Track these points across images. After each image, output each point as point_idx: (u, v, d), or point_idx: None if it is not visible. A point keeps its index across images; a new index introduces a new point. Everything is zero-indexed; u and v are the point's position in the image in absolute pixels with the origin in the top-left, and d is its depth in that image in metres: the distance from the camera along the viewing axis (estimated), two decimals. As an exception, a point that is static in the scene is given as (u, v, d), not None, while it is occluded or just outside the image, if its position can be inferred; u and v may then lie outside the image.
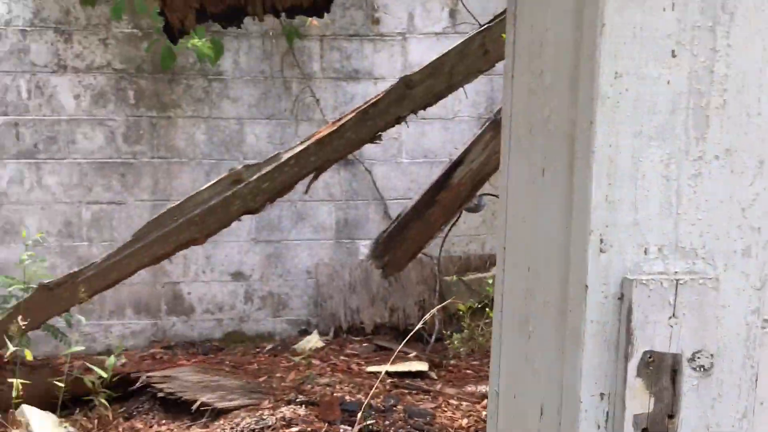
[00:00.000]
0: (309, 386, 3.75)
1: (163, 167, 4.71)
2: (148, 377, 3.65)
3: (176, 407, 3.50)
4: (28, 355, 3.01)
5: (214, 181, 3.55)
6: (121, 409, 3.59)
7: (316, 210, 4.89)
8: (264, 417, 3.27)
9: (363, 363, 4.37)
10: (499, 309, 1.14)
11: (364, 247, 4.96)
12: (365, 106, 3.64)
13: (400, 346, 4.74)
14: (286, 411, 3.32)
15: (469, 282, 4.94)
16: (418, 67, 4.85)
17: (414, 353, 4.50)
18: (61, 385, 3.21)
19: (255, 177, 3.56)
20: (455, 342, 4.71)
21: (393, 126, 3.77)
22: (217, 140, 4.74)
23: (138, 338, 4.81)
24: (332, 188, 4.87)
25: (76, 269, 3.48)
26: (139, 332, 4.82)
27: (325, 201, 4.87)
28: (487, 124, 3.96)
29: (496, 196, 4.69)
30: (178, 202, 3.62)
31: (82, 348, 3.71)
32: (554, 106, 0.90)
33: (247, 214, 3.66)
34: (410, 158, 4.94)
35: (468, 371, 4.33)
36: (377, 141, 3.77)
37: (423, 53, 4.78)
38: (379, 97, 3.64)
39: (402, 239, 4.10)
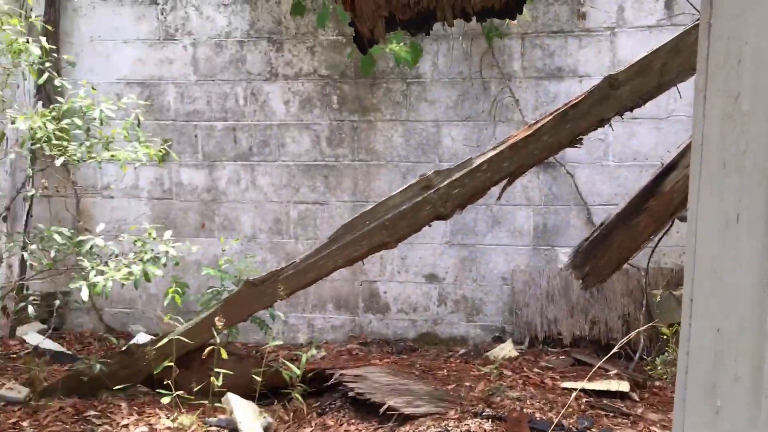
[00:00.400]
0: (498, 399, 3.63)
1: (362, 169, 4.83)
2: (341, 375, 3.75)
3: (365, 408, 3.56)
4: (223, 354, 3.21)
5: (405, 186, 3.55)
6: (316, 404, 3.72)
7: (513, 214, 4.74)
8: (449, 428, 3.21)
9: (558, 377, 4.15)
10: (684, 369, 0.96)
11: (563, 255, 4.71)
12: (565, 107, 3.43)
13: (600, 362, 4.45)
14: (472, 424, 3.23)
15: (679, 297, 4.49)
16: (629, 63, 4.52)
17: (615, 371, 4.18)
18: (259, 379, 3.40)
19: (445, 183, 3.50)
20: (658, 367, 4.32)
21: (595, 129, 3.51)
22: (414, 143, 4.77)
23: (337, 332, 5.00)
24: (530, 192, 4.68)
25: (279, 267, 3.67)
26: (339, 327, 5.00)
27: (523, 205, 4.70)
28: None
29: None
30: (372, 206, 3.67)
31: (281, 342, 3.90)
32: (752, 136, 0.72)
33: (438, 220, 3.61)
34: (617, 161, 4.60)
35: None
36: (577, 145, 3.54)
37: (633, 49, 4.42)
38: (580, 98, 3.41)
39: (606, 248, 3.82)
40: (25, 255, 3.62)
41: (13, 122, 3.48)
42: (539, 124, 3.46)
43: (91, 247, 3.38)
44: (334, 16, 4.64)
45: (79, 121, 3.64)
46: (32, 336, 4.72)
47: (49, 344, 4.63)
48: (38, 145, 3.56)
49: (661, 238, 4.15)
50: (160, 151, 3.69)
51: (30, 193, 3.84)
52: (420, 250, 4.81)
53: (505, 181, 3.60)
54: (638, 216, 3.72)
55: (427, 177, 3.51)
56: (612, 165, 4.61)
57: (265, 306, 3.80)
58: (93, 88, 3.93)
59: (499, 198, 3.66)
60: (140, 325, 5.13)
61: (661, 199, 3.67)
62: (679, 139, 4.45)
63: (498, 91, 4.63)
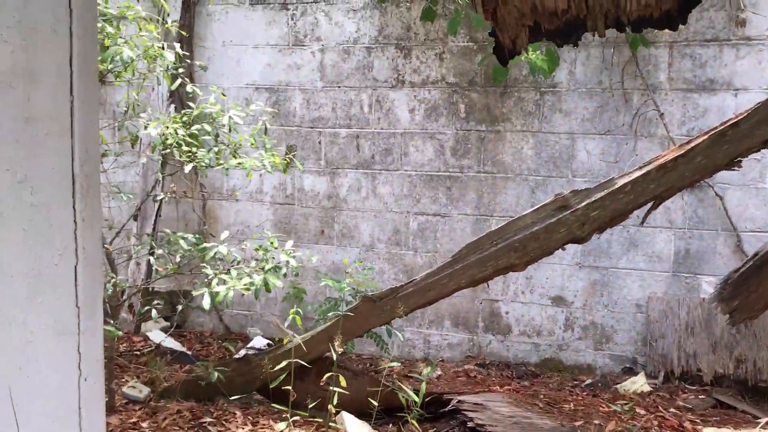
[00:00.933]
0: (630, 441, 3.32)
1: (488, 182, 4.61)
2: (459, 402, 3.55)
3: (482, 439, 3.35)
4: (342, 381, 3.08)
5: (538, 206, 3.31)
6: (432, 430, 3.55)
7: (652, 237, 4.36)
8: (576, 472, 2.94)
9: (698, 421, 3.76)
10: None
11: (707, 284, 4.29)
12: (723, 127, 3.07)
13: (747, 407, 4.01)
14: (602, 470, 2.95)
15: None
16: (794, 73, 4.04)
17: (765, 420, 3.74)
18: (375, 402, 3.26)
19: (584, 203, 3.23)
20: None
21: (758, 150, 3.14)
22: (546, 155, 4.49)
23: (454, 350, 4.81)
24: (673, 214, 4.29)
25: (396, 279, 3.52)
26: (456, 345, 4.80)
27: (663, 228, 4.32)
28: None
29: None
30: (497, 221, 3.45)
31: (398, 364, 3.75)
32: None
33: (573, 243, 3.34)
34: (775, 183, 4.13)
35: (840, 455, 3.45)
36: (735, 167, 3.17)
37: (802, 57, 3.96)
38: (741, 116, 3.05)
39: (759, 281, 3.41)
40: (152, 259, 3.67)
41: (145, 127, 3.53)
42: (692, 144, 3.12)
43: (215, 254, 3.36)
44: (467, 22, 4.45)
45: (208, 127, 3.65)
46: (155, 334, 4.83)
47: (170, 343, 4.72)
48: (168, 150, 3.59)
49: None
50: (285, 161, 3.64)
51: (159, 197, 3.90)
52: (547, 271, 4.53)
53: (649, 205, 3.29)
54: None
55: (564, 196, 3.25)
56: (769, 188, 4.15)
57: (382, 323, 3.67)
58: (223, 95, 3.94)
59: (642, 222, 3.34)
60: (258, 328, 5.15)
61: None
62: None
63: (641, 104, 4.28)
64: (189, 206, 5.13)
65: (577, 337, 4.56)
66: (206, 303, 3.08)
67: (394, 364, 3.60)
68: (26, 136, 1.51)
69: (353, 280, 4.12)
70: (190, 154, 3.44)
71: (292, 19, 4.88)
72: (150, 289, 4.84)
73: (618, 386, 4.26)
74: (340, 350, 3.27)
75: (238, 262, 3.71)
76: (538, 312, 4.62)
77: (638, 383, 4.23)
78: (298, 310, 3.79)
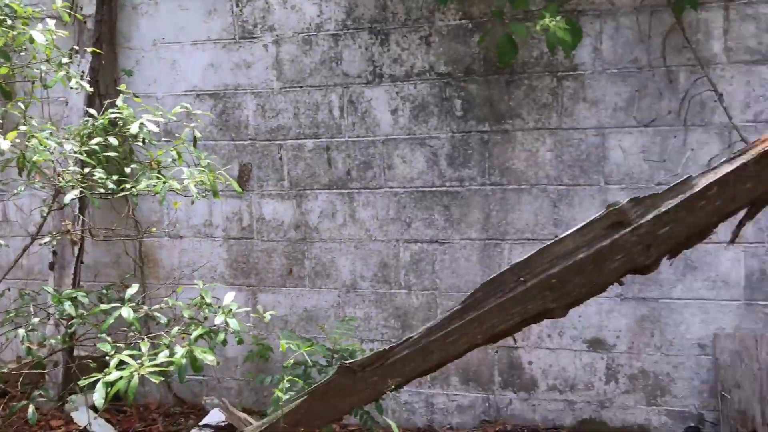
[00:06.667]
0: None
1: (496, 196, 3.60)
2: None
3: None
4: None
5: (583, 224, 2.29)
6: None
7: (715, 256, 3.35)
8: None
9: None
10: None
11: (791, 313, 3.28)
12: None
13: None
14: None
15: None
16: None
17: None
18: None
19: (649, 217, 2.21)
20: None
21: None
22: (569, 158, 3.49)
23: (465, 415, 3.76)
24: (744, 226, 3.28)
25: (385, 340, 2.48)
26: (467, 407, 3.75)
27: (732, 244, 3.30)
28: None
29: None
30: (523, 253, 2.45)
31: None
32: None
33: (634, 274, 2.33)
34: None
35: None
36: None
37: None
38: None
39: None
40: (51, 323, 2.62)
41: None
42: (806, 120, 2.13)
43: (123, 318, 2.33)
44: (458, -9, 3.48)
45: (114, 140, 2.63)
46: (81, 414, 3.76)
47: (100, 426, 3.66)
48: (59, 176, 2.56)
49: None
50: (220, 179, 2.62)
51: (45, 240, 2.84)
52: (579, 307, 3.48)
53: (743, 213, 2.28)
54: None
55: (620, 209, 2.22)
56: None
57: (366, 402, 2.63)
58: (136, 96, 2.93)
59: (732, 240, 2.33)
60: (215, 397, 4.07)
61: None
62: None
63: (690, 84, 3.29)
64: (123, 247, 4.09)
65: (624, 390, 3.52)
66: (99, 400, 2.03)
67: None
68: None
69: (330, 337, 3.08)
70: (81, 176, 2.41)
71: (238, 5, 3.88)
72: (73, 354, 3.79)
73: (686, 456, 3.22)
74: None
75: (167, 324, 2.68)
76: (571, 360, 3.58)
77: (714, 451, 3.20)
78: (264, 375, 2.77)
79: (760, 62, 3.21)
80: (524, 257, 2.34)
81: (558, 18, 2.99)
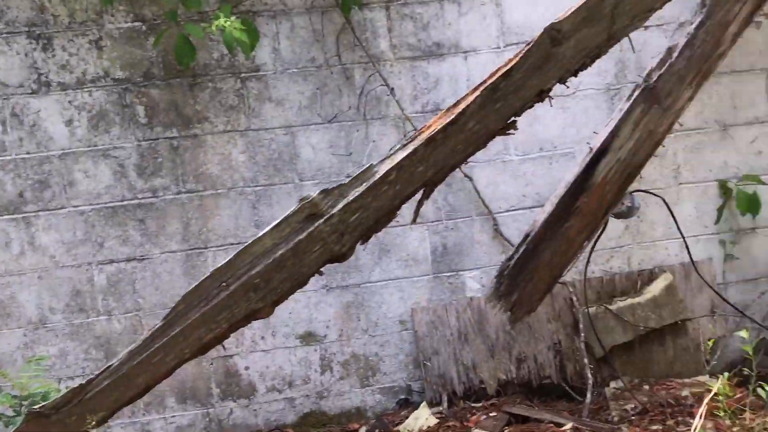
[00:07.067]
0: None
1: (194, 204, 3.48)
2: None
3: None
4: None
5: (279, 220, 2.30)
6: None
7: (404, 237, 3.63)
8: None
9: (503, 449, 3.08)
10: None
11: (471, 280, 3.69)
12: (494, 79, 2.38)
13: (543, 415, 3.47)
14: None
15: (618, 311, 3.63)
16: (518, 29, 3.61)
17: (570, 424, 3.20)
18: None
19: (340, 206, 2.31)
20: (609, 402, 3.44)
21: (532, 105, 2.52)
22: (262, 159, 3.50)
23: (186, 434, 3.59)
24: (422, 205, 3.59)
25: (83, 382, 2.24)
26: (187, 426, 3.58)
27: (415, 224, 3.59)
28: (635, 94, 2.68)
29: (653, 193, 3.31)
30: (220, 254, 2.39)
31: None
32: None
33: (332, 263, 2.41)
34: (521, 154, 3.66)
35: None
36: (511, 131, 2.51)
37: (527, 10, 3.52)
38: (512, 62, 2.38)
39: (534, 268, 2.84)
40: None
41: None
42: (461, 107, 2.39)
43: None
44: (126, -9, 3.28)
45: None
46: None
47: None
48: None
49: (596, 243, 3.24)
50: None
51: None
52: (289, 303, 3.49)
53: (420, 193, 2.48)
54: (568, 220, 2.80)
55: (312, 201, 2.28)
56: (516, 160, 3.66)
57: (68, 445, 2.35)
58: None
59: (414, 219, 2.53)
60: None
61: (592, 195, 2.77)
62: (591, 119, 3.62)
63: (365, 80, 3.51)
64: None
65: (339, 378, 3.65)
66: None
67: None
68: None
69: (16, 384, 2.70)
70: None
71: None
72: None
73: (400, 427, 3.44)
74: None
75: None
76: (286, 358, 3.61)
77: (422, 417, 3.46)
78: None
79: (420, 58, 3.54)
80: (224, 262, 2.29)
81: (233, 18, 2.97)
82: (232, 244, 3.48)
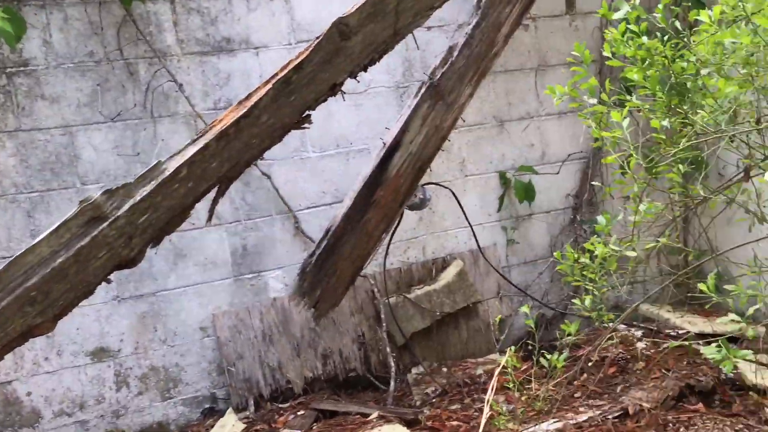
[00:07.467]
0: None
1: (-46, 215, 3.08)
2: None
3: None
4: None
5: (56, 226, 2.09)
6: None
7: (201, 240, 3.49)
8: None
9: (313, 444, 3.08)
10: None
11: (274, 280, 3.64)
12: (286, 72, 2.35)
13: (349, 407, 3.52)
14: None
15: (416, 299, 3.79)
16: (309, 26, 3.63)
17: (376, 413, 3.27)
18: None
19: (126, 207, 2.15)
20: (412, 387, 3.58)
21: (325, 99, 2.52)
22: (37, 162, 3.18)
23: (-43, 476, 3.16)
24: (220, 205, 3.47)
25: None
26: (-42, 467, 3.16)
27: (211, 226, 3.47)
28: (422, 91, 2.83)
29: (443, 185, 3.51)
30: (-5, 268, 2.12)
31: None
32: None
33: (121, 269, 2.24)
34: (319, 151, 3.67)
35: (456, 422, 3.17)
36: (306, 125, 2.50)
37: (316, 6, 3.55)
38: (304, 55, 2.37)
39: (336, 262, 2.89)
40: None
41: None
42: (253, 100, 2.33)
43: None
44: None
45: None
46: None
47: None
48: None
49: (393, 235, 3.36)
50: None
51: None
52: (76, 317, 3.25)
53: (215, 191, 2.39)
54: (366, 213, 2.89)
55: (93, 203, 2.09)
56: (314, 157, 3.67)
57: None
58: None
59: (210, 218, 2.44)
60: None
61: (388, 188, 2.89)
62: (383, 116, 3.73)
63: (151, 76, 3.32)
64: None
65: (137, 393, 3.43)
66: None
67: None
68: None
69: None
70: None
71: None
72: None
73: (206, 437, 3.31)
74: None
75: None
76: (76, 378, 3.32)
77: (228, 424, 3.35)
78: None
79: (210, 53, 3.43)
80: (-8, 274, 2.04)
81: (-6, 6, 2.67)
82: (4, 257, 3.12)
